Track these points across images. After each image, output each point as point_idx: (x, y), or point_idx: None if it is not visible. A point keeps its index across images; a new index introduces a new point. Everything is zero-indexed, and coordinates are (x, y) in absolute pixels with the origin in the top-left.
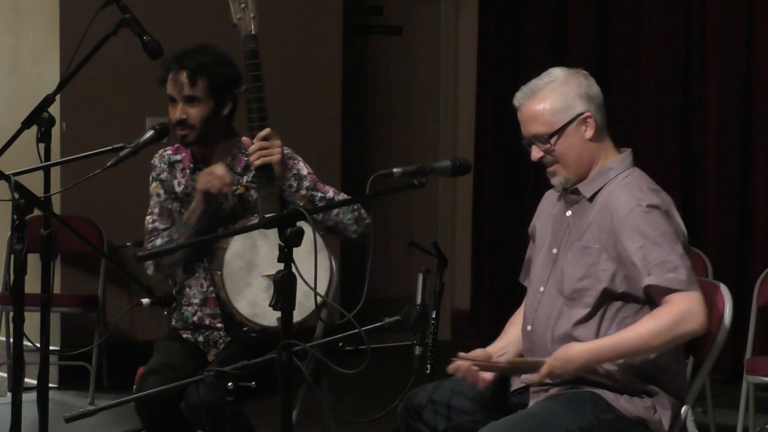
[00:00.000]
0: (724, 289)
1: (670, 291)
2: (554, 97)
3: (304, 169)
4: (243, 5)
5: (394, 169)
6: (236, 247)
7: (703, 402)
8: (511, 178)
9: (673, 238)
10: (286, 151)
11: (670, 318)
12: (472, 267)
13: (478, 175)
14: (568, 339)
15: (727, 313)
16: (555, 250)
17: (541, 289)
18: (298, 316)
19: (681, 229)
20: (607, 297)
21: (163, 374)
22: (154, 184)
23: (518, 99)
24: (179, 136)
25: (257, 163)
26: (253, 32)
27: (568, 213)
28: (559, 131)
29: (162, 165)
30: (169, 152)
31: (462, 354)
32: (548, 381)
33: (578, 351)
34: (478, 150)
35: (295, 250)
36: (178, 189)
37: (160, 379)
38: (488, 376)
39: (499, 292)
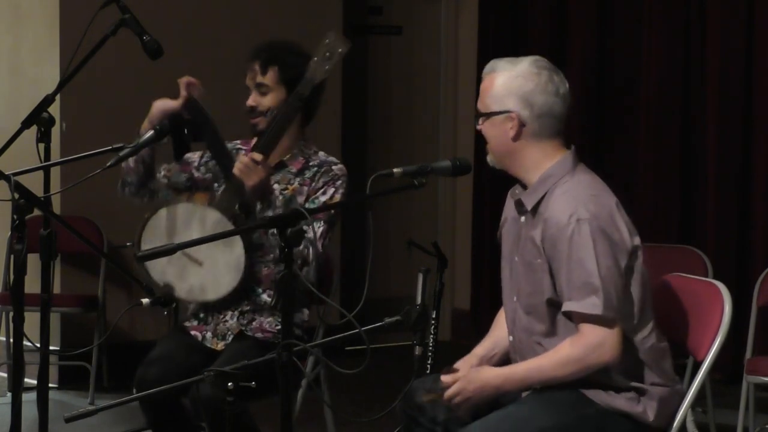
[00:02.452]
0: (724, 289)
1: (585, 317)
2: (499, 84)
3: (322, 197)
4: (328, 54)
5: (394, 169)
6: (179, 211)
7: (703, 402)
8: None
9: (604, 253)
10: (337, 169)
11: (580, 349)
12: (472, 267)
13: (478, 175)
14: (544, 351)
15: (727, 313)
16: (517, 258)
17: (514, 298)
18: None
19: (617, 239)
20: (555, 307)
21: (163, 365)
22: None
23: (485, 68)
24: (250, 124)
25: (235, 172)
26: (316, 81)
27: (522, 219)
28: (487, 116)
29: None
30: (237, 142)
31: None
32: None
33: (491, 376)
34: (478, 150)
35: (214, 247)
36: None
37: (161, 370)
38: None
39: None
